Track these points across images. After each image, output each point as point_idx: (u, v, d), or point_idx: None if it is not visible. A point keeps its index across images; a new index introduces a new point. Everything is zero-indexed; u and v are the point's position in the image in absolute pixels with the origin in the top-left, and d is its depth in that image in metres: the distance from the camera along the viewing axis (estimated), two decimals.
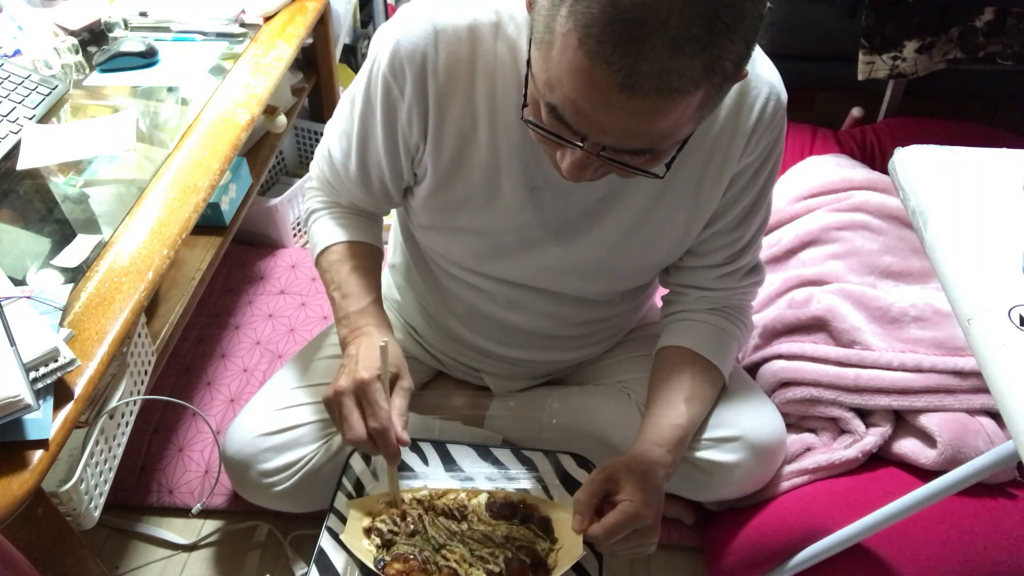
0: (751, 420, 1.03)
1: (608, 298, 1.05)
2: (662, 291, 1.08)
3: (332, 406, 0.87)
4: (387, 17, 2.24)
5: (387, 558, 0.93)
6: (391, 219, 1.16)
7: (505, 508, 0.98)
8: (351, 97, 0.92)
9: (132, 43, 1.31)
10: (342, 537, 0.93)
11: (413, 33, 0.80)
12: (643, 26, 0.57)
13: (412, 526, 0.95)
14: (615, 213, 0.90)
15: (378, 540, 0.95)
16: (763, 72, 0.83)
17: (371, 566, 0.91)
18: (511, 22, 0.80)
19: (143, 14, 1.42)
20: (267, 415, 1.06)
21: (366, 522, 0.96)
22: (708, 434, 1.02)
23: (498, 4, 0.80)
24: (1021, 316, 0.63)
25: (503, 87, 0.82)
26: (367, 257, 1.00)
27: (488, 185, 0.88)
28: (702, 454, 1.02)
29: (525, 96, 0.71)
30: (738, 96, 0.82)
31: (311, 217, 1.04)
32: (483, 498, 0.99)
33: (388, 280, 1.21)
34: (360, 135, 0.92)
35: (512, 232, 0.92)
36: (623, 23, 0.57)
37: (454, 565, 0.92)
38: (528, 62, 0.68)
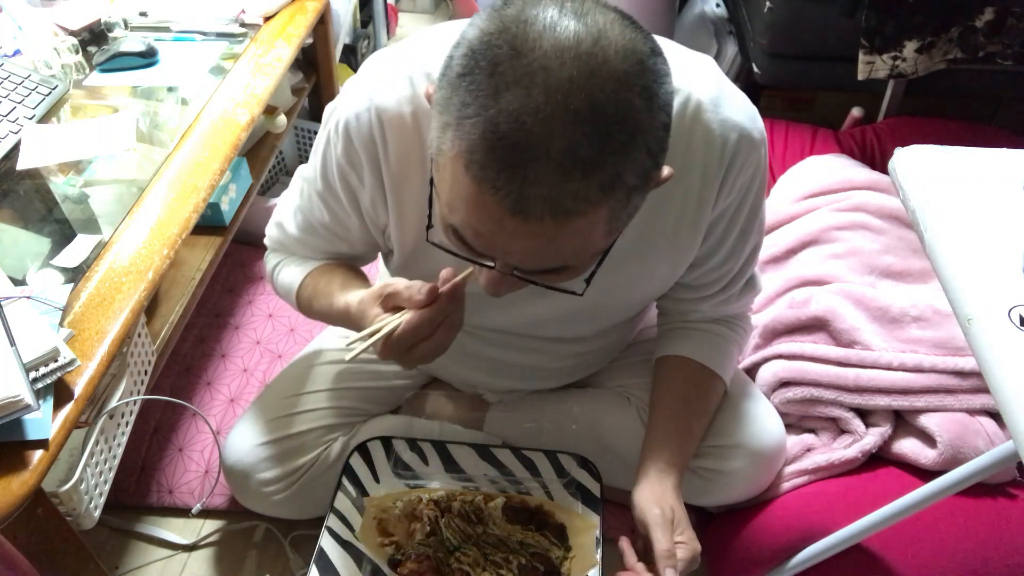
0: (750, 426, 1.03)
1: (599, 332, 1.03)
2: None
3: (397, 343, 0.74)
4: (387, 17, 2.24)
5: (399, 557, 0.92)
6: None
7: (521, 513, 0.97)
8: (310, 176, 0.89)
9: (132, 43, 1.31)
10: (357, 534, 0.93)
11: (361, 123, 0.78)
12: (525, 151, 0.54)
13: (428, 527, 0.95)
14: None
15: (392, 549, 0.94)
16: (731, 114, 0.77)
17: (384, 566, 0.91)
18: None
19: (143, 14, 1.42)
20: (266, 423, 1.06)
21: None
22: (708, 441, 1.01)
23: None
24: (1021, 316, 0.63)
25: None
26: (345, 267, 0.97)
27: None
28: (702, 461, 1.02)
29: (429, 216, 0.68)
30: (705, 148, 0.77)
31: (274, 271, 1.00)
32: (500, 502, 0.98)
33: None
34: (319, 217, 0.90)
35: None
36: (504, 148, 0.54)
37: (467, 568, 0.92)
38: (431, 181, 0.65)
